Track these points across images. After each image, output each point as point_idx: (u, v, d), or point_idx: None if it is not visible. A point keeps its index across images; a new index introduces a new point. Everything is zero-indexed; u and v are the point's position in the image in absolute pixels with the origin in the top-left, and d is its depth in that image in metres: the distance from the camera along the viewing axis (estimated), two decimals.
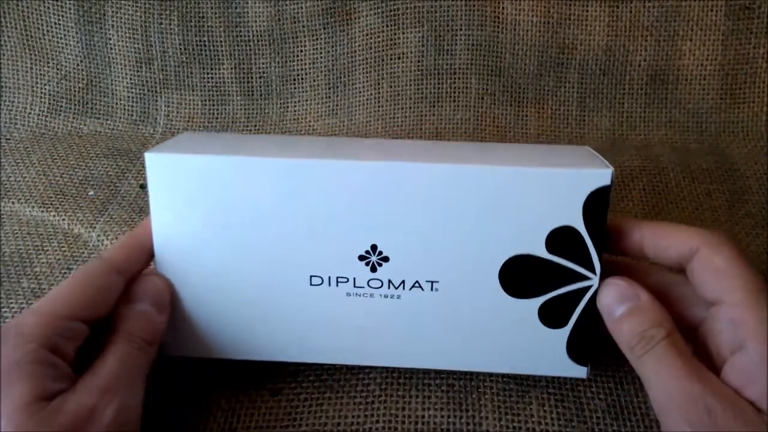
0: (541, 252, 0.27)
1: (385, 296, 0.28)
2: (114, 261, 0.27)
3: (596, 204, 0.26)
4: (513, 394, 0.29)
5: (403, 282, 0.27)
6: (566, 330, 0.28)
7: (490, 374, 0.30)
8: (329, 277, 0.28)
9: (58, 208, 0.42)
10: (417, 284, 0.27)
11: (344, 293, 0.28)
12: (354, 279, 0.27)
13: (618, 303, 0.26)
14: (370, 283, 0.28)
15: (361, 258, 0.27)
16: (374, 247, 0.27)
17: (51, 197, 0.43)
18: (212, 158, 0.26)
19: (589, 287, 0.27)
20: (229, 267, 0.28)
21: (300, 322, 0.28)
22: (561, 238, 0.26)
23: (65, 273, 0.37)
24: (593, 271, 0.27)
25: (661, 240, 0.27)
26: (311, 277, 0.28)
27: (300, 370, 0.31)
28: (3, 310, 0.34)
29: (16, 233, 0.40)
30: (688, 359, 0.23)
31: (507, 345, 0.28)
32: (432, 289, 0.27)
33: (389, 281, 0.27)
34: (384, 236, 0.27)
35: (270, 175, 0.26)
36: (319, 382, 0.30)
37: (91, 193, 0.44)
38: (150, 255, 0.28)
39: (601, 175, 0.25)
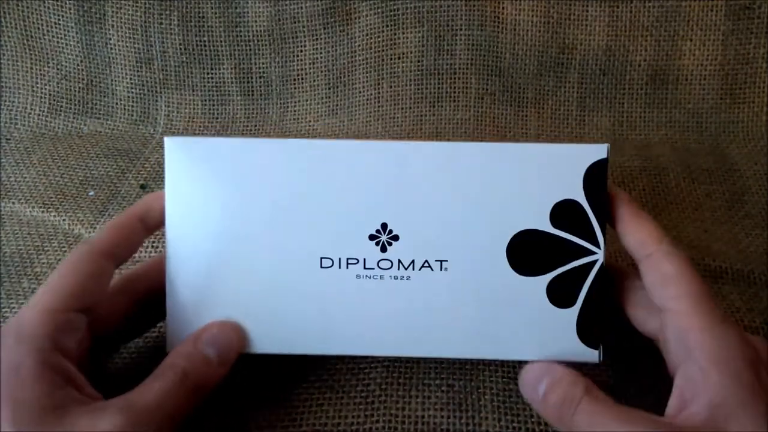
0: (546, 226, 0.27)
1: (395, 278, 0.28)
2: (101, 245, 0.26)
3: (595, 176, 0.27)
4: (513, 394, 0.29)
5: (413, 262, 0.28)
6: (575, 310, 0.28)
7: (491, 374, 0.30)
8: (339, 259, 0.28)
9: (58, 208, 0.42)
10: (426, 264, 0.28)
11: (354, 275, 0.28)
12: (364, 260, 0.28)
13: (538, 382, 0.26)
14: (380, 263, 0.28)
15: (372, 237, 0.28)
16: (384, 226, 0.28)
17: (51, 197, 0.43)
18: (227, 141, 0.28)
19: (594, 262, 0.27)
20: (239, 253, 0.28)
21: (310, 311, 0.28)
22: (565, 212, 0.27)
23: None
24: (597, 245, 0.27)
25: (623, 227, 0.27)
26: (322, 259, 0.28)
27: (300, 369, 0.31)
28: (3, 310, 0.34)
29: (17, 233, 0.40)
30: (610, 406, 0.23)
31: (517, 328, 0.28)
32: (441, 269, 0.28)
33: (399, 261, 0.28)
34: (394, 215, 0.27)
35: (281, 156, 0.27)
36: (319, 382, 0.30)
37: (92, 193, 0.44)
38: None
39: (598, 149, 0.27)
